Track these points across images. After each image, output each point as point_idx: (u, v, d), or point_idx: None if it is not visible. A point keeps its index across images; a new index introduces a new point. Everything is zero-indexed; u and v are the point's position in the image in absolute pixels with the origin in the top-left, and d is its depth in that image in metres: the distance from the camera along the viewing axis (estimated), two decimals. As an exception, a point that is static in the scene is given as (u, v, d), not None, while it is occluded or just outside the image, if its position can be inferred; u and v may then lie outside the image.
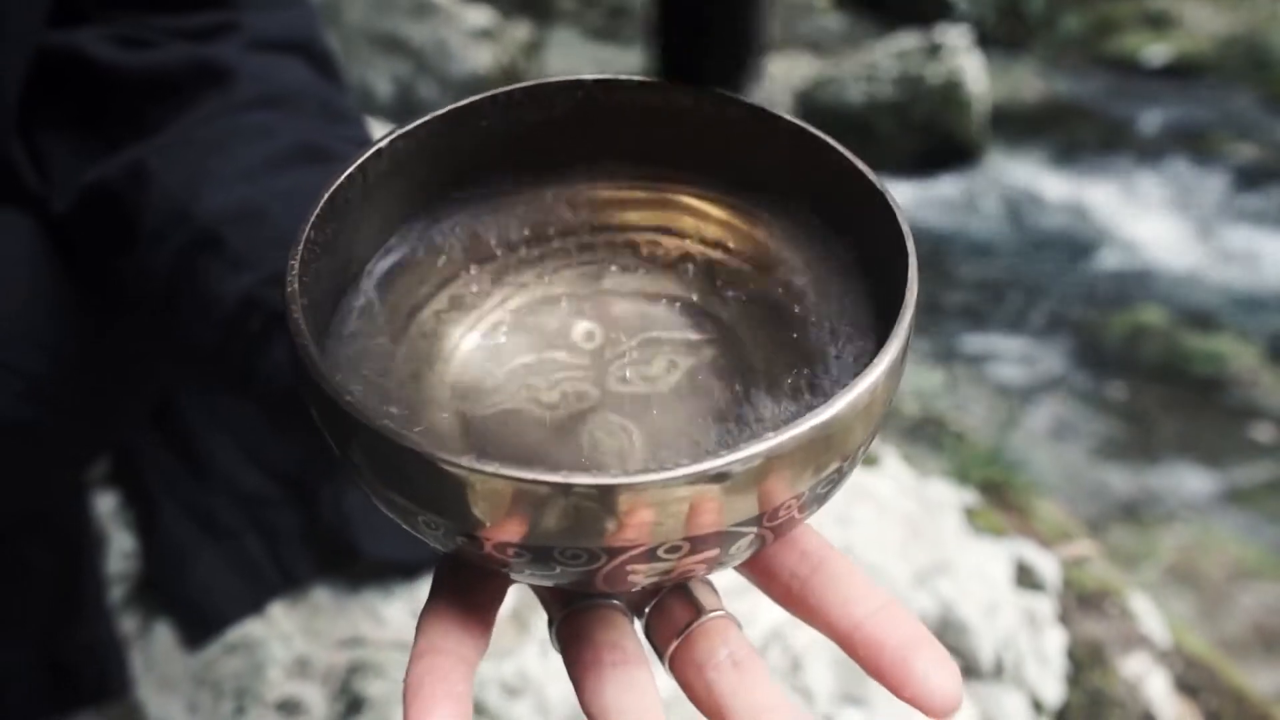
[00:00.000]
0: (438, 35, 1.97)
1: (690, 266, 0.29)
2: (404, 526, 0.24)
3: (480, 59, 1.96)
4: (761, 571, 0.26)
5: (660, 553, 0.22)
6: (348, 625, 0.68)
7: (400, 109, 1.87)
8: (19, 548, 0.61)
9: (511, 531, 0.21)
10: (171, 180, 0.37)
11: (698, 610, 0.25)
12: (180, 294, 0.37)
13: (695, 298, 0.29)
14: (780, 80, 2.12)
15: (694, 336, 0.28)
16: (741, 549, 0.23)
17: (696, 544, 0.22)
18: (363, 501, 0.69)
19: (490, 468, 0.20)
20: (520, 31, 2.16)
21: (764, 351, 0.27)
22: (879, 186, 0.26)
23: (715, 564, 0.23)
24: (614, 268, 0.30)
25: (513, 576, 0.24)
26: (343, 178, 0.27)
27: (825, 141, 0.27)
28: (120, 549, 0.69)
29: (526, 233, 0.30)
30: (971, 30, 2.18)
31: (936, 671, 0.22)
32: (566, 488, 0.20)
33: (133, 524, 0.70)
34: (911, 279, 0.24)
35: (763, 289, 0.28)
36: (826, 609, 0.24)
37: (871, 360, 0.22)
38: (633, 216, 0.30)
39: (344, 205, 0.27)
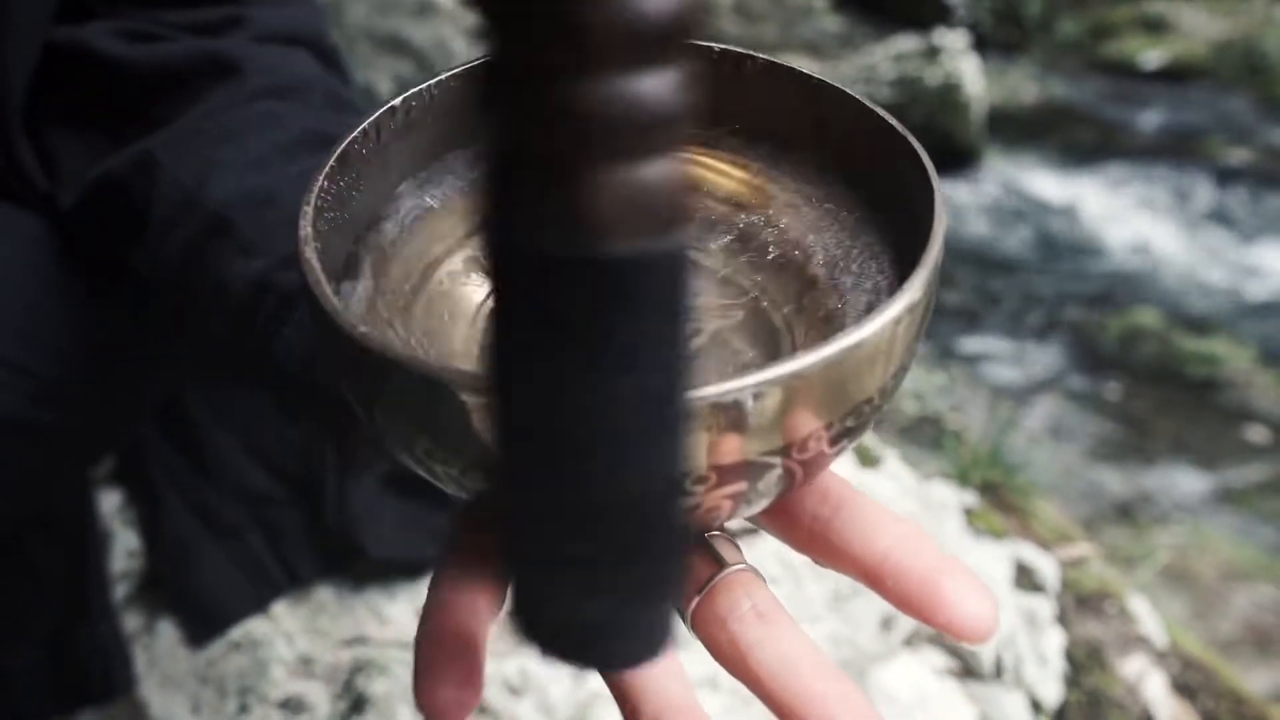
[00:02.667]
0: (439, 35, 1.97)
1: (711, 228, 0.29)
2: (425, 476, 0.23)
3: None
4: (784, 519, 0.25)
5: (686, 485, 0.21)
6: (351, 624, 0.68)
7: (402, 109, 1.87)
8: (26, 546, 0.61)
9: None
10: (181, 169, 0.37)
11: (720, 564, 0.24)
12: (192, 281, 0.37)
13: (717, 260, 0.28)
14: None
15: (717, 299, 0.27)
16: (770, 485, 0.22)
17: (723, 475, 0.21)
18: (367, 500, 0.69)
19: None
20: (520, 32, 2.16)
21: (790, 314, 0.27)
22: (897, 127, 0.25)
23: (743, 500, 0.22)
24: None
25: None
26: (356, 131, 0.26)
27: (842, 91, 0.27)
28: (125, 547, 0.69)
29: None
30: (969, 34, 2.19)
31: (969, 596, 0.21)
32: None
33: (137, 522, 0.70)
34: (939, 223, 0.23)
35: (784, 249, 0.28)
36: (850, 545, 0.23)
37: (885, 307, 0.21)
38: None
39: (358, 159, 0.26)
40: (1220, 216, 2.01)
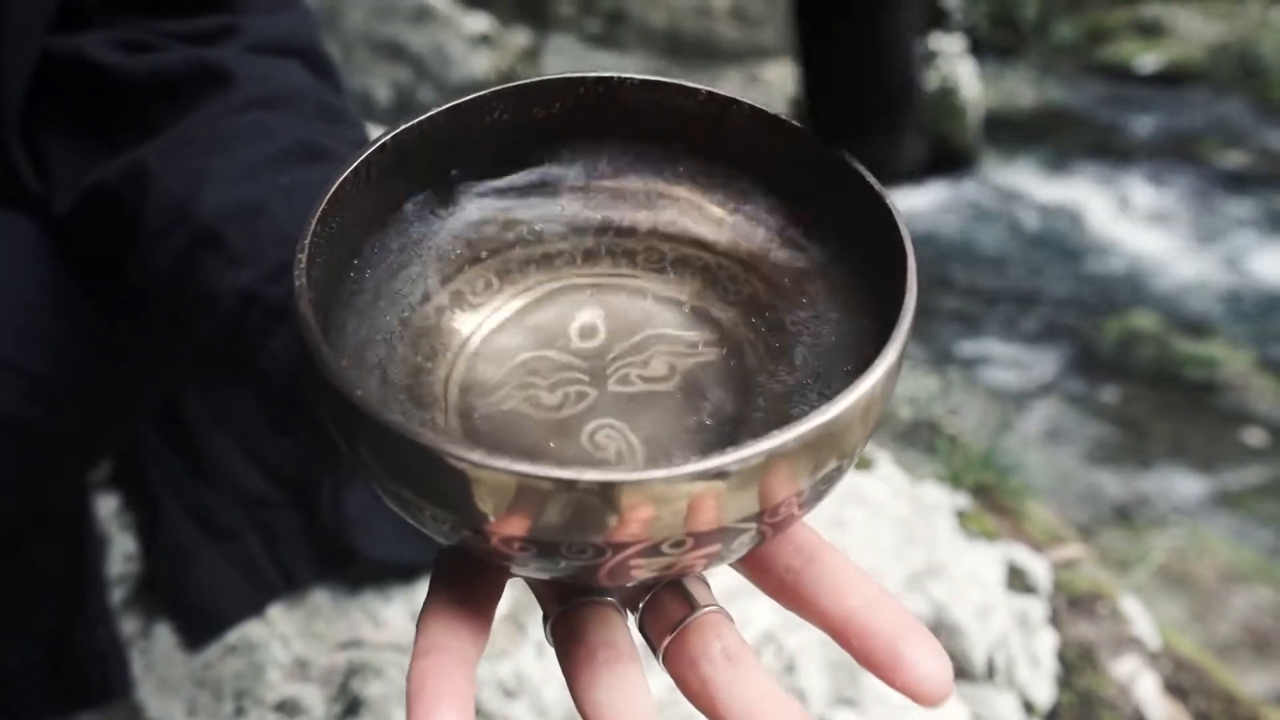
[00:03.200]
0: (437, 41, 1.97)
1: (690, 269, 0.29)
2: (408, 520, 0.24)
3: (479, 65, 1.97)
4: (756, 566, 0.26)
5: (663, 548, 0.22)
6: (347, 627, 0.68)
7: (399, 115, 1.87)
8: (25, 548, 0.62)
9: (517, 526, 0.21)
10: (172, 180, 0.37)
11: (691, 605, 0.25)
12: (181, 291, 0.37)
13: (695, 301, 0.29)
14: (776, 86, 2.12)
15: (693, 338, 0.28)
16: (743, 544, 0.23)
17: (699, 540, 0.22)
18: (362, 503, 0.69)
19: (498, 463, 0.20)
20: (519, 38, 2.17)
21: (762, 355, 0.27)
22: (880, 192, 0.26)
23: (716, 559, 0.23)
24: (615, 268, 0.30)
25: (514, 570, 0.24)
26: (348, 171, 0.27)
27: (828, 146, 0.27)
28: (122, 551, 0.70)
29: (528, 231, 0.30)
30: (965, 38, 2.19)
31: (927, 660, 0.22)
32: (572, 483, 0.20)
33: (134, 526, 0.70)
34: (910, 285, 0.24)
35: (761, 293, 0.28)
36: (819, 600, 0.24)
37: (870, 363, 0.22)
38: (635, 216, 0.30)
39: (348, 199, 0.27)
40: (1217, 219, 2.00)
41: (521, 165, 0.30)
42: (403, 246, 0.29)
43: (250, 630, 0.67)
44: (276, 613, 0.68)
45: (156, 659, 0.66)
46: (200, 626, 0.66)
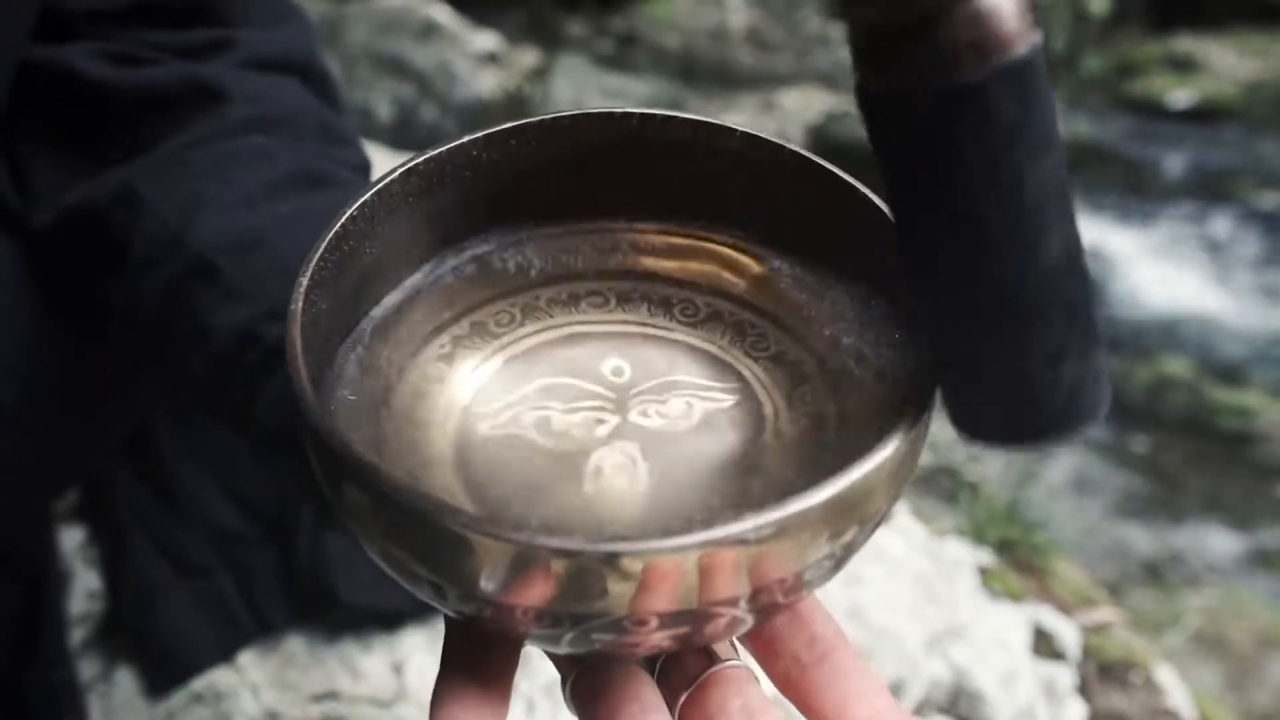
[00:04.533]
0: (442, 59, 1.96)
1: (721, 322, 0.29)
2: (405, 586, 0.23)
3: (485, 84, 1.96)
4: (764, 650, 0.25)
5: (679, 618, 0.21)
6: (322, 677, 0.65)
7: (400, 133, 1.86)
8: (-27, 585, 0.59)
9: (519, 595, 0.21)
10: (164, 205, 0.36)
11: (712, 659, 0.24)
12: (171, 323, 0.36)
13: (722, 352, 0.29)
14: (794, 114, 2.10)
15: (716, 388, 0.28)
16: (752, 616, 0.23)
17: (713, 608, 0.21)
18: (342, 543, 0.66)
19: (504, 532, 0.20)
20: (527, 57, 2.16)
21: (787, 410, 0.27)
22: None
23: (737, 625, 0.23)
24: (642, 314, 0.29)
25: (527, 640, 0.24)
26: (346, 215, 0.26)
27: (875, 204, 0.27)
28: (85, 588, 0.67)
29: (556, 268, 0.30)
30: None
31: None
32: (576, 553, 0.20)
33: (99, 561, 0.67)
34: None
35: (791, 348, 0.28)
36: (823, 703, 0.24)
37: (890, 429, 0.22)
38: (667, 263, 0.30)
39: (361, 228, 0.27)
40: (1253, 261, 1.96)
41: (556, 200, 0.30)
42: (419, 278, 0.29)
43: (218, 677, 0.64)
44: (247, 659, 0.65)
45: (116, 705, 0.63)
46: (165, 671, 0.63)
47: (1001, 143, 0.19)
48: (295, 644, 0.66)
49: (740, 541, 0.20)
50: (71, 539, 0.68)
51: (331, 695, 0.64)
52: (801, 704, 0.24)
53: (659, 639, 0.22)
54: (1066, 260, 0.20)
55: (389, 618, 0.66)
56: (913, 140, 0.20)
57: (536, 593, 0.21)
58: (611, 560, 0.20)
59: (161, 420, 0.67)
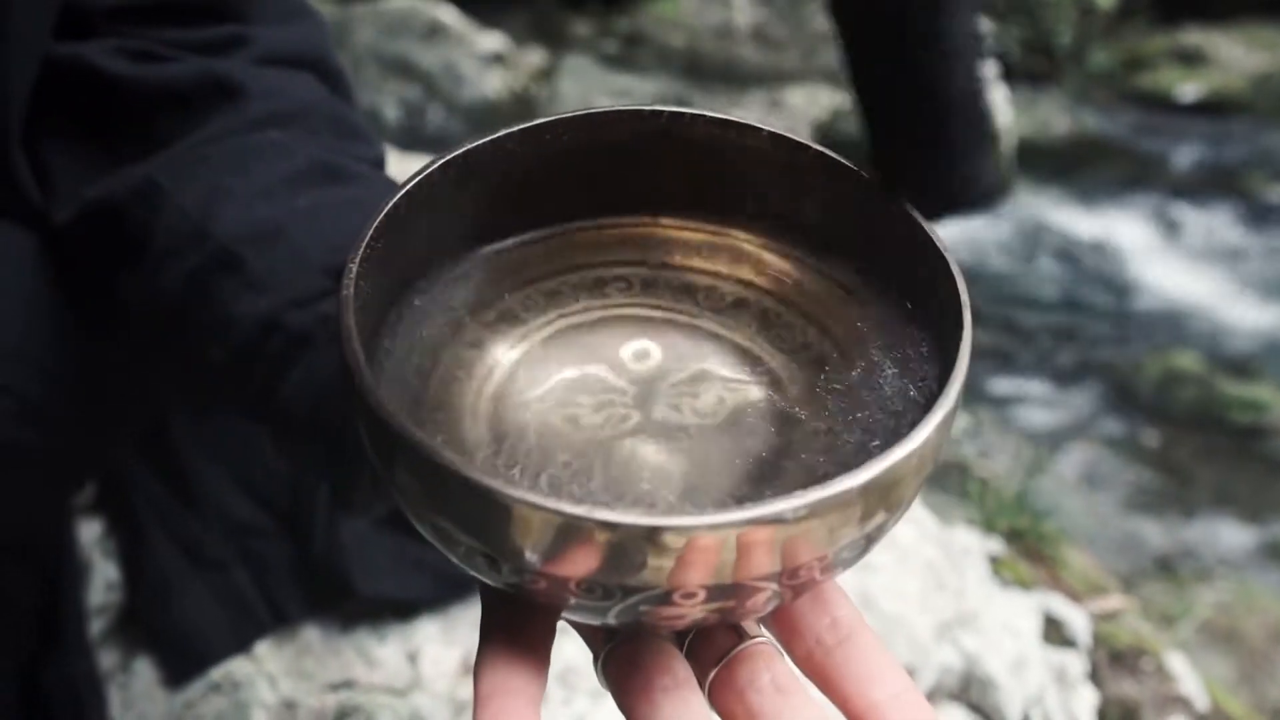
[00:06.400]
0: (448, 60, 1.97)
1: (746, 313, 0.30)
2: (457, 562, 0.24)
3: (491, 84, 1.97)
4: (788, 630, 0.25)
5: (722, 592, 0.22)
6: (338, 667, 0.65)
7: (408, 134, 1.87)
8: (-2, 576, 0.59)
9: (559, 566, 0.21)
10: (186, 198, 0.37)
11: (740, 636, 0.25)
12: (189, 314, 0.36)
13: (747, 343, 0.29)
14: (800, 112, 2.10)
15: (743, 379, 0.28)
16: (789, 592, 0.23)
17: (754, 583, 0.22)
18: (358, 534, 0.67)
19: (563, 507, 0.21)
20: (533, 57, 2.17)
21: (812, 402, 0.28)
22: (940, 245, 0.27)
23: (774, 601, 0.23)
24: (668, 305, 0.30)
25: (571, 613, 0.24)
26: (410, 185, 0.27)
27: (896, 200, 0.27)
28: (103, 580, 0.67)
29: (587, 259, 0.30)
30: (997, 64, 2.16)
31: None
32: (616, 526, 0.20)
33: (117, 553, 0.68)
34: (965, 341, 0.24)
35: (816, 341, 0.29)
36: (844, 683, 0.24)
37: (917, 419, 0.23)
38: (694, 257, 0.31)
39: (404, 216, 0.27)
40: (1262, 254, 1.95)
41: (586, 194, 0.30)
42: (454, 265, 0.29)
43: (235, 668, 0.64)
44: (264, 650, 0.65)
45: (135, 696, 0.63)
46: (183, 662, 0.64)
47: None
48: (311, 634, 0.66)
49: (779, 520, 0.21)
50: (90, 531, 0.69)
51: (347, 684, 0.65)
52: (823, 684, 0.25)
53: (701, 612, 0.22)
54: (974, 84, 0.24)
55: (403, 608, 0.66)
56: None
57: (589, 565, 0.21)
58: (665, 535, 0.20)
59: (177, 415, 0.68)
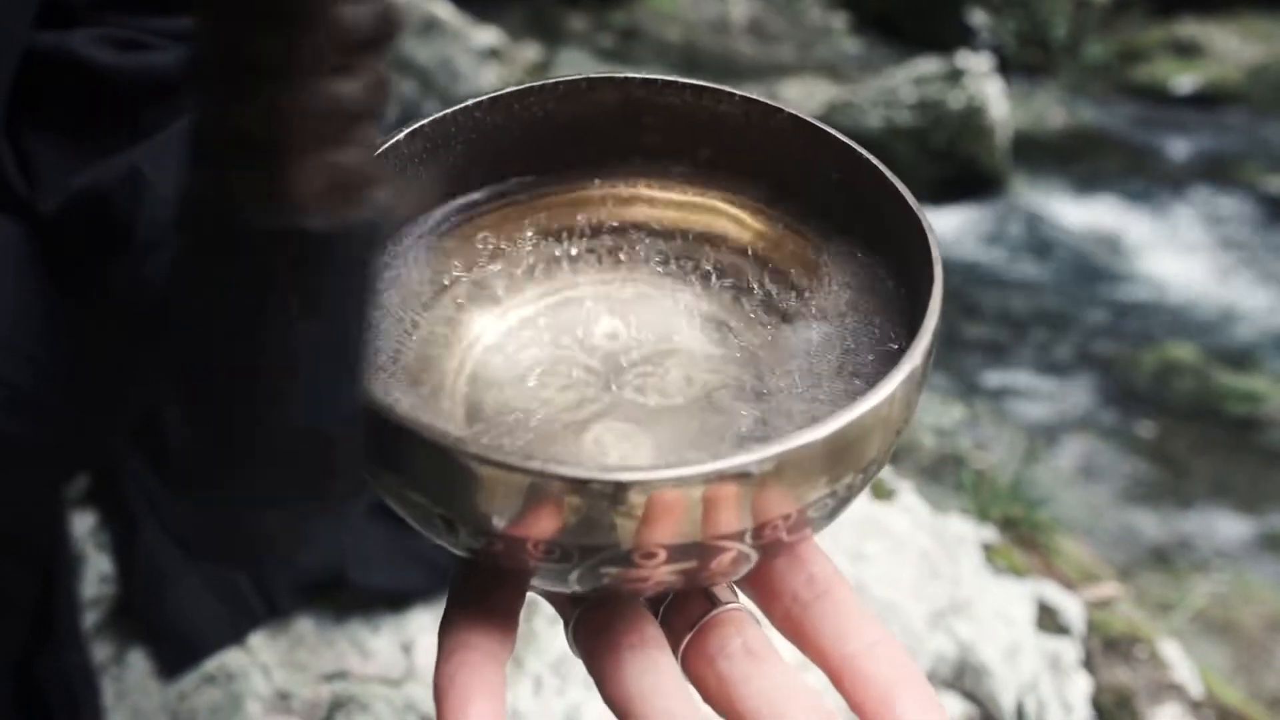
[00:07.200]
0: (444, 54, 1.97)
1: (721, 280, 0.29)
2: (416, 526, 0.24)
3: (487, 80, 1.96)
4: (764, 590, 0.25)
5: (686, 551, 0.22)
6: (332, 658, 0.65)
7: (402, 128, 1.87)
8: (-13, 568, 0.59)
9: (533, 529, 0.21)
10: (167, 188, 0.36)
11: (713, 603, 0.24)
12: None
13: (722, 312, 0.29)
14: (796, 105, 2.10)
15: (715, 352, 0.28)
16: (756, 553, 0.23)
17: (718, 542, 0.22)
18: (352, 525, 0.67)
19: (514, 462, 0.20)
20: (529, 52, 2.16)
21: (786, 372, 0.27)
22: (911, 204, 0.26)
23: (742, 562, 0.23)
24: (645, 273, 0.30)
25: (536, 580, 0.24)
26: (377, 154, 0.27)
27: (866, 159, 0.27)
28: (97, 572, 0.67)
29: (559, 228, 0.30)
30: (993, 56, 2.16)
31: (918, 713, 0.22)
32: (585, 483, 0.20)
33: (110, 546, 0.68)
34: (936, 295, 0.24)
35: (792, 308, 0.28)
36: (820, 637, 0.24)
37: (886, 378, 0.22)
38: (669, 220, 0.30)
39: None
40: (1259, 246, 1.95)
41: (560, 162, 0.30)
42: (427, 235, 0.29)
43: (229, 659, 0.64)
44: (258, 641, 0.65)
45: (129, 688, 0.63)
46: (177, 654, 0.64)
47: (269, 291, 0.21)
48: (305, 625, 0.66)
49: (743, 474, 0.20)
50: (83, 523, 0.69)
51: (341, 675, 0.65)
52: (800, 641, 0.24)
53: (666, 573, 0.22)
54: (312, 425, 0.22)
55: (397, 599, 0.67)
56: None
57: (546, 524, 0.21)
58: (620, 490, 0.20)
59: (169, 406, 0.68)
